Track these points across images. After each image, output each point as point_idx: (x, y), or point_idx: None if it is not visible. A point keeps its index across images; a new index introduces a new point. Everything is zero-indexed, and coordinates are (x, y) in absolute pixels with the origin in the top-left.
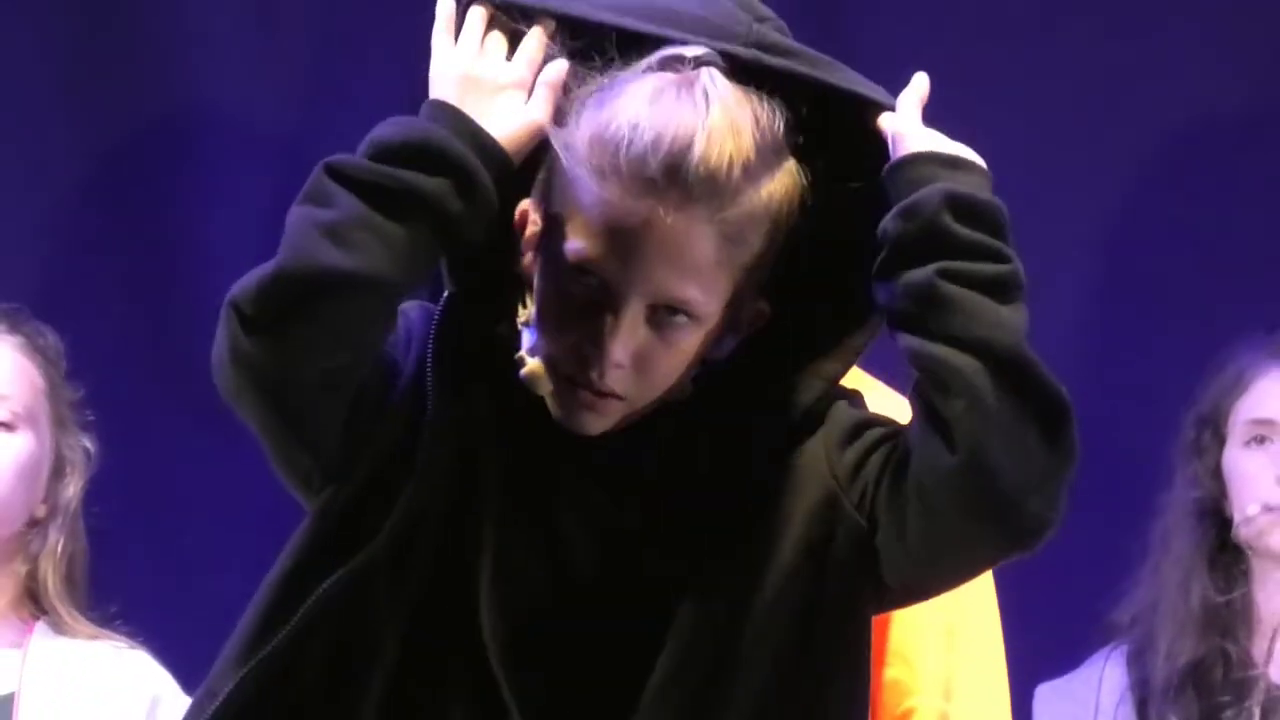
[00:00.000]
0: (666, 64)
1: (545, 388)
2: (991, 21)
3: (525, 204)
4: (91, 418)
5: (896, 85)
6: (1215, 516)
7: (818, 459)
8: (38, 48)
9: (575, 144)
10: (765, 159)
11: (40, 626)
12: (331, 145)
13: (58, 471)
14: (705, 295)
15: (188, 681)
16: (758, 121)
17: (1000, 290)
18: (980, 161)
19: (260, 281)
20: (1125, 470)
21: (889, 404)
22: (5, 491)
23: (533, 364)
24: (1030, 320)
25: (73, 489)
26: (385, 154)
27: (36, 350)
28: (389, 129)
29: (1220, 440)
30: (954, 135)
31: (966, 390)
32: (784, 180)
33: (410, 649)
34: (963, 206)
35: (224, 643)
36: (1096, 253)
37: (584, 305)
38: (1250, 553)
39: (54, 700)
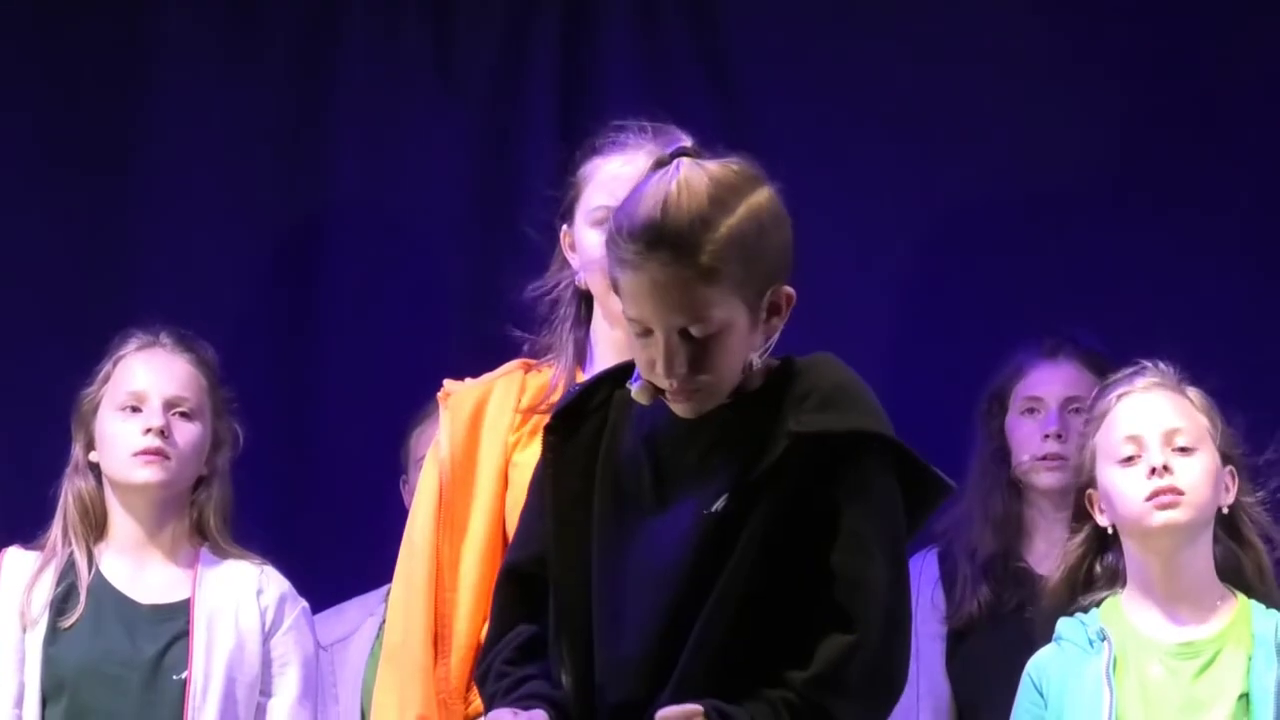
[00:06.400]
0: (657, 166)
1: (646, 400)
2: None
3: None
4: (236, 407)
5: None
6: (1002, 461)
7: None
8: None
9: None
10: (721, 204)
11: (204, 552)
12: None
13: (215, 445)
14: (709, 314)
15: (297, 584)
16: (713, 178)
17: None
18: None
19: None
20: (939, 432)
21: None
22: (186, 460)
23: (636, 389)
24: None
25: (225, 457)
26: None
27: (202, 362)
28: None
29: (1004, 410)
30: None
31: None
32: (747, 207)
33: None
34: None
35: (317, 564)
36: (919, 280)
37: (645, 342)
38: (1024, 486)
39: (217, 601)
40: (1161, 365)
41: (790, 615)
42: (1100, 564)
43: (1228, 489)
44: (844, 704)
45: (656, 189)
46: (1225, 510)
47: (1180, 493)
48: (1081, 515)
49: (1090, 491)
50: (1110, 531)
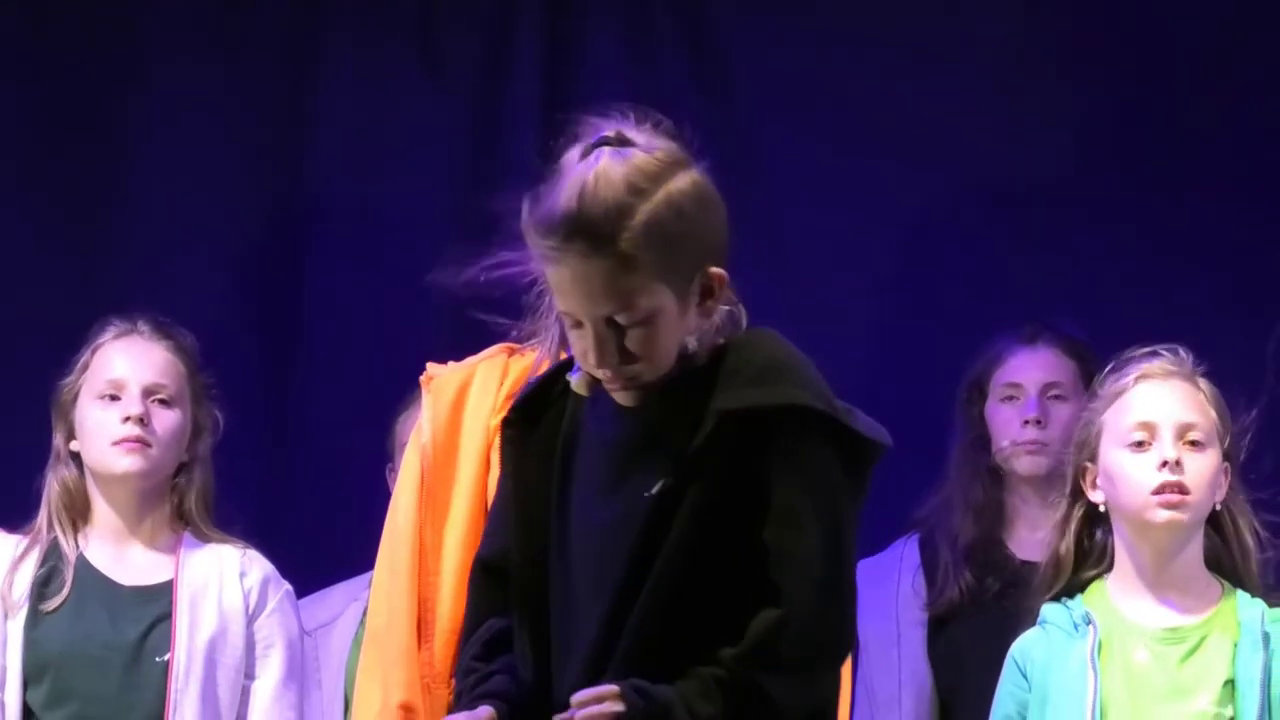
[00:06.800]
0: (584, 154)
1: (584, 391)
2: (833, 88)
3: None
4: (217, 394)
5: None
6: (982, 448)
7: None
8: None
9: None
10: (638, 191)
11: (187, 536)
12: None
13: (196, 432)
14: (634, 301)
15: (280, 569)
16: (631, 165)
17: None
18: None
19: None
20: (917, 419)
21: None
22: (166, 447)
23: (575, 380)
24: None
25: (206, 443)
26: None
27: (180, 349)
28: None
29: (984, 397)
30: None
31: None
32: (666, 194)
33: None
34: None
35: (303, 551)
36: (906, 270)
37: (577, 334)
38: (1005, 473)
39: (200, 583)
40: (1180, 352)
41: (728, 594)
42: (1090, 540)
43: (1220, 485)
44: (776, 678)
45: (574, 181)
46: (1217, 506)
47: (1187, 492)
48: (1075, 489)
49: (1087, 465)
50: (1101, 509)
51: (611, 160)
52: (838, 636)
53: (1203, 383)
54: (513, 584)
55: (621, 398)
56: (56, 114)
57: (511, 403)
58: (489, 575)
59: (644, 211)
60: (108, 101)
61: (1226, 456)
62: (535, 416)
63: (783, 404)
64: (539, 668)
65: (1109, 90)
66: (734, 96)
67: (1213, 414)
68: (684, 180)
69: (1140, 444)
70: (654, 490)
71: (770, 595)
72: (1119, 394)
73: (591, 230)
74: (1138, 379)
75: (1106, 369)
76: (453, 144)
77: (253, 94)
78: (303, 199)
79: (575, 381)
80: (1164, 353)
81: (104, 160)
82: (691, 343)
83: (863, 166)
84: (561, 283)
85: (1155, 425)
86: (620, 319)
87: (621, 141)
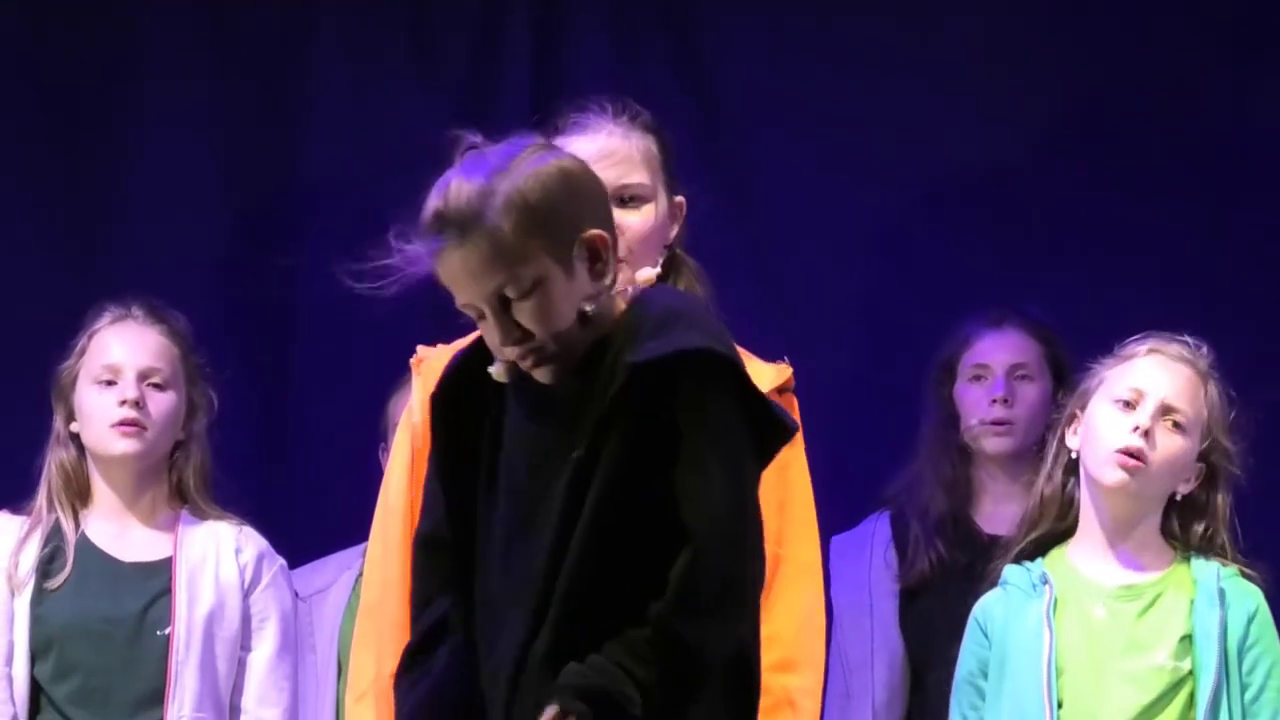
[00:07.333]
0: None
1: (503, 377)
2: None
3: None
4: (210, 373)
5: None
6: (952, 427)
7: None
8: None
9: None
10: (500, 174)
11: (184, 513)
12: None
13: (191, 411)
14: (516, 273)
15: (275, 545)
16: (492, 158)
17: None
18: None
19: None
20: (892, 400)
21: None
22: (161, 429)
23: (495, 371)
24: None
25: (201, 422)
26: None
27: (173, 332)
28: None
29: (953, 378)
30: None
31: None
32: (525, 171)
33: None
34: None
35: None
36: (889, 260)
37: (483, 326)
38: (973, 450)
39: (197, 560)
40: (1204, 349)
41: (656, 544)
42: (1064, 490)
43: (1188, 480)
44: (693, 624)
45: (439, 186)
46: (1178, 498)
47: (1146, 462)
48: (1062, 434)
49: (1076, 412)
50: (1073, 456)
51: (472, 159)
52: (743, 574)
53: (1212, 383)
54: (451, 560)
55: (539, 375)
56: (56, 114)
57: (440, 377)
58: (429, 550)
59: (503, 190)
60: (107, 102)
61: (1203, 457)
62: (464, 392)
63: (680, 349)
64: (470, 637)
65: (1090, 79)
66: (720, 93)
67: (1205, 412)
68: (545, 159)
69: (1127, 404)
70: (578, 454)
71: (684, 541)
72: (1129, 357)
73: (459, 218)
74: (1150, 350)
75: (1131, 338)
76: (443, 141)
77: (247, 92)
78: (298, 182)
79: (496, 371)
80: (1187, 340)
81: (104, 160)
82: (589, 307)
83: (846, 159)
84: (449, 275)
85: (1145, 394)
86: (509, 292)
87: (486, 147)
